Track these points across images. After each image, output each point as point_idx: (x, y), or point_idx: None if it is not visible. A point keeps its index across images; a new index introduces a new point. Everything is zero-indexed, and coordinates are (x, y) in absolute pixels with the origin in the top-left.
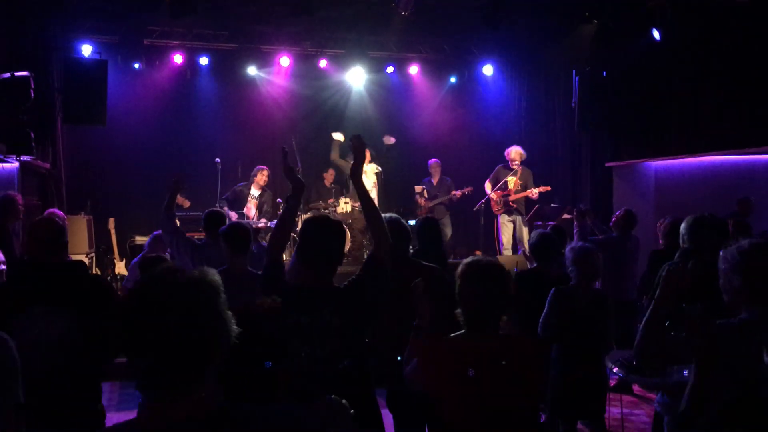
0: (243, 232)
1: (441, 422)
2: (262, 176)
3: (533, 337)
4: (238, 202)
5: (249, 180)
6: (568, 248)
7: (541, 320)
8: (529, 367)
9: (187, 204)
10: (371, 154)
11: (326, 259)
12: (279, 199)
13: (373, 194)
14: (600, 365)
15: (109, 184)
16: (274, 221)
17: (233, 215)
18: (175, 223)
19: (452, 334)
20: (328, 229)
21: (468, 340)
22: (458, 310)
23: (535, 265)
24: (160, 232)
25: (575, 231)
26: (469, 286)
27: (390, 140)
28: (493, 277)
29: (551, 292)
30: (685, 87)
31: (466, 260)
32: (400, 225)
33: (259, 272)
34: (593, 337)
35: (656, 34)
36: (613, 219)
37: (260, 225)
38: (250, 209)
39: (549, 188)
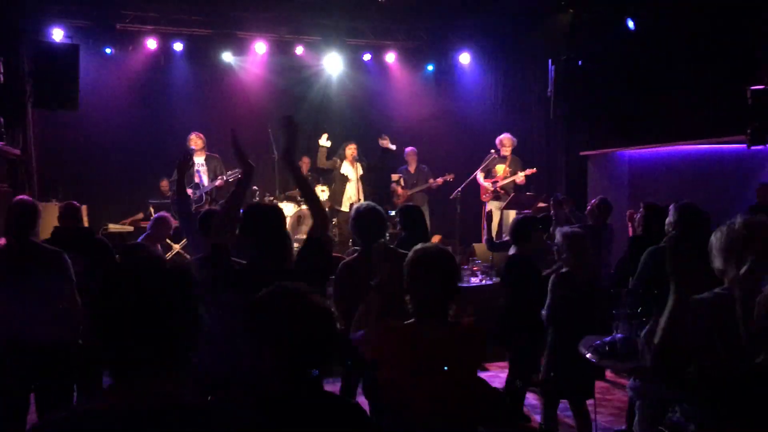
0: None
1: (389, 406)
2: (194, 141)
3: (521, 312)
4: (188, 176)
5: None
6: (558, 233)
7: (546, 305)
8: (475, 354)
9: (165, 186)
10: (356, 155)
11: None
12: (255, 187)
13: (352, 189)
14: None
15: (82, 171)
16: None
17: (188, 191)
18: (191, 205)
19: (404, 322)
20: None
21: (417, 328)
22: (407, 297)
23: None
24: (163, 213)
25: (552, 219)
26: (418, 274)
27: (387, 144)
28: (442, 265)
29: (552, 278)
30: (659, 76)
31: (415, 248)
32: (376, 213)
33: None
34: (588, 320)
35: (630, 24)
36: (588, 207)
37: (217, 183)
38: (201, 177)
39: (534, 170)
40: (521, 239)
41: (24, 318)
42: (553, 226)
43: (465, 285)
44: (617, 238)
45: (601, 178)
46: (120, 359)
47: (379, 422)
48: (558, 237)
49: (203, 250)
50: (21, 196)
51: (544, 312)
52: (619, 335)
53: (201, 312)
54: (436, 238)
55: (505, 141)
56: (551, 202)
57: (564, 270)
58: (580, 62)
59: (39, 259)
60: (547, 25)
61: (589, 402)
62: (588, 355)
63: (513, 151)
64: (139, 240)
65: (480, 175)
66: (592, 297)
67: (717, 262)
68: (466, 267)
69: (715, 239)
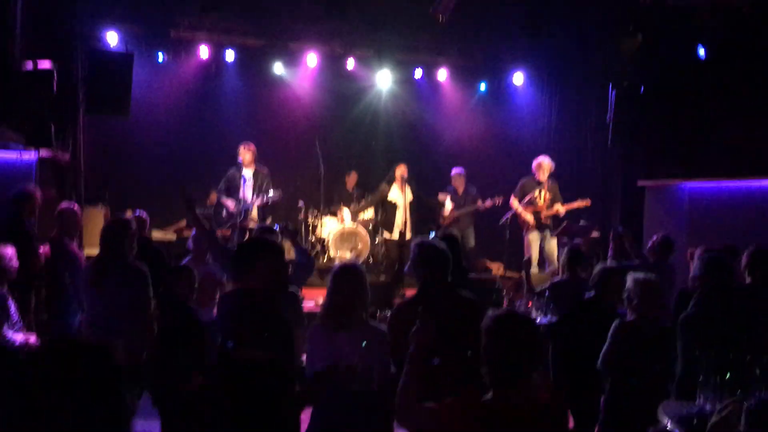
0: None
1: None
2: (243, 154)
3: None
4: (233, 189)
5: (237, 163)
6: (630, 278)
7: (603, 353)
8: (557, 425)
9: (213, 198)
10: (405, 176)
11: None
12: (301, 202)
13: (401, 215)
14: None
15: (129, 177)
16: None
17: (230, 203)
18: (214, 238)
19: (482, 398)
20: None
21: (495, 405)
22: (484, 369)
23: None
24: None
25: (610, 253)
26: (500, 346)
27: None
28: (528, 337)
29: (614, 324)
30: (727, 107)
31: (493, 314)
32: (435, 252)
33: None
34: (653, 376)
35: (702, 51)
36: (650, 244)
37: (257, 203)
38: (246, 192)
39: (588, 202)
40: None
41: (108, 327)
42: (611, 259)
43: None
44: (677, 277)
45: (660, 211)
46: None
47: None
48: (629, 282)
49: None
50: (118, 217)
51: (600, 361)
52: (708, 406)
53: None
54: (495, 266)
55: (544, 165)
56: (611, 236)
57: (631, 318)
58: (642, 88)
59: (125, 275)
60: (610, 49)
61: None
62: (669, 426)
63: (551, 176)
64: (185, 262)
65: (514, 200)
66: (662, 350)
67: None
68: (519, 302)
69: None
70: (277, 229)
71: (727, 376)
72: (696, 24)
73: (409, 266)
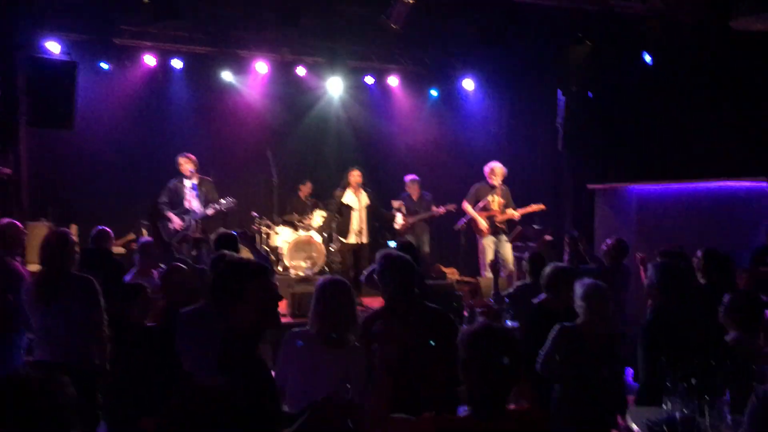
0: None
1: None
2: (183, 165)
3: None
4: (177, 201)
5: (178, 174)
6: (577, 283)
7: (542, 356)
8: None
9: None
10: (360, 182)
11: None
12: (254, 212)
13: (357, 219)
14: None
15: (74, 190)
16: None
17: (174, 218)
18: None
19: (458, 416)
20: None
21: (474, 423)
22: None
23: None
24: (144, 240)
25: (566, 257)
26: (478, 360)
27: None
28: (509, 350)
29: (555, 328)
30: (673, 112)
31: (470, 329)
32: (402, 263)
33: None
34: (600, 383)
35: (648, 58)
36: (604, 248)
37: (209, 212)
38: (191, 202)
39: (543, 206)
40: (554, 287)
41: (62, 344)
42: (569, 264)
43: None
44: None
45: (609, 213)
46: None
47: None
48: (577, 288)
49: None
50: (55, 230)
51: (538, 364)
52: (677, 413)
53: None
54: (449, 271)
55: (497, 170)
56: (566, 239)
57: (576, 323)
58: (590, 94)
59: (72, 287)
60: (559, 56)
61: None
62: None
63: (503, 181)
64: (129, 277)
65: (467, 205)
66: (609, 355)
67: None
68: (480, 310)
69: None
70: (236, 235)
71: (693, 382)
72: (642, 32)
73: (369, 275)
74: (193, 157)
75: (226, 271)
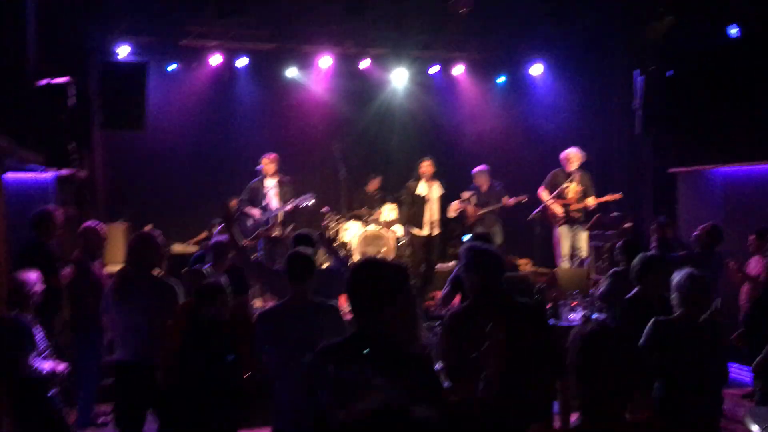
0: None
1: None
2: (267, 165)
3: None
4: (257, 200)
5: (261, 173)
6: (677, 274)
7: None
8: None
9: (234, 204)
10: (432, 172)
11: None
12: (326, 207)
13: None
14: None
15: (147, 191)
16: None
17: (255, 212)
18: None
19: (572, 427)
20: None
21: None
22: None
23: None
24: (218, 239)
25: (652, 245)
26: (595, 364)
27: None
28: (628, 354)
29: (650, 323)
30: (760, 89)
31: (584, 330)
32: (490, 257)
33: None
34: (700, 378)
35: (733, 31)
36: (697, 233)
37: (287, 208)
38: (271, 200)
39: (620, 195)
40: (644, 278)
41: (143, 343)
42: (657, 251)
43: (566, 325)
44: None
45: (693, 198)
46: None
47: None
48: (676, 278)
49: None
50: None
51: None
52: None
53: None
54: (523, 262)
55: (572, 156)
56: (654, 226)
57: (671, 316)
58: (669, 73)
59: (154, 290)
60: (635, 34)
61: None
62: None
63: (582, 166)
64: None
65: (544, 193)
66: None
67: None
68: (563, 302)
69: None
70: (315, 237)
71: None
72: (726, 3)
73: (457, 270)
74: (274, 157)
75: (383, 274)
